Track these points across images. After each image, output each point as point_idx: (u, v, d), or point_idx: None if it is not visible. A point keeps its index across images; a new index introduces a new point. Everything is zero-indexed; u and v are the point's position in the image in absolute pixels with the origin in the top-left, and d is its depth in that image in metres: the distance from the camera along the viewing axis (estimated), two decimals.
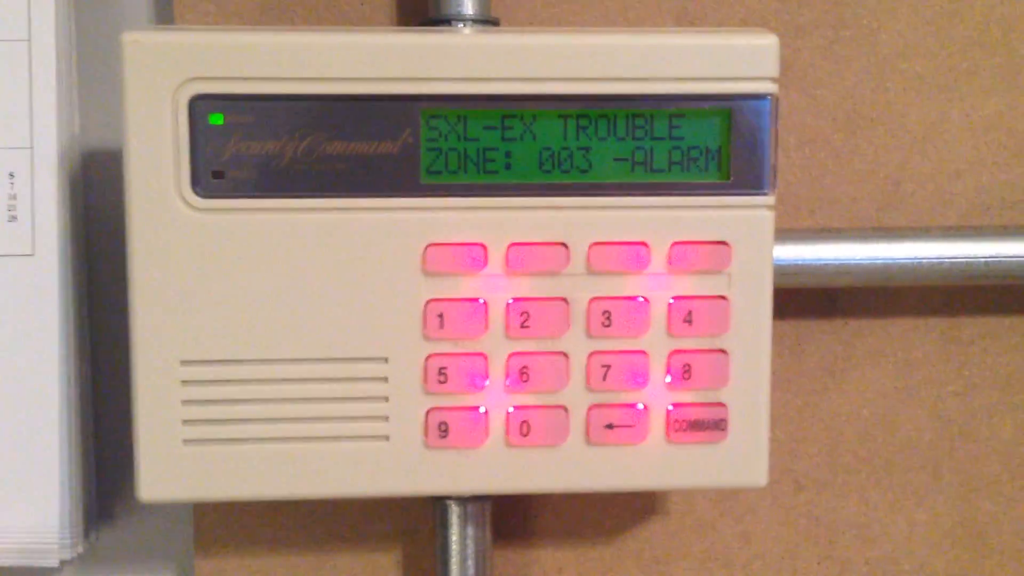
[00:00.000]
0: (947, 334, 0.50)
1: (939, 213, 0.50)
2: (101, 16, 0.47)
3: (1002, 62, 0.49)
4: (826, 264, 0.46)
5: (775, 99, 0.40)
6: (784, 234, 0.46)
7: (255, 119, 0.39)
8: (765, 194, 0.41)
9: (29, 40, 0.44)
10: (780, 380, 0.50)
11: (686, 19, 0.48)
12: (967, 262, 0.47)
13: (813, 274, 0.46)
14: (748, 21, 0.48)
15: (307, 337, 0.40)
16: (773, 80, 0.40)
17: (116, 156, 0.45)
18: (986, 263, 0.47)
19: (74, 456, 0.45)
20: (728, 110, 0.40)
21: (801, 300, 0.50)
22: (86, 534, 0.47)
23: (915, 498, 0.51)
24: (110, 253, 0.48)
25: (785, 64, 0.48)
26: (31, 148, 0.44)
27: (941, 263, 0.47)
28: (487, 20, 0.44)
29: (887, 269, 0.46)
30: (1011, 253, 0.47)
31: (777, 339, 0.49)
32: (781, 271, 0.45)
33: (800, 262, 0.46)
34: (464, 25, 0.43)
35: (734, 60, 0.40)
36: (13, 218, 0.44)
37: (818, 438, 0.50)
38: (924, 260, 0.46)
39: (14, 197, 0.44)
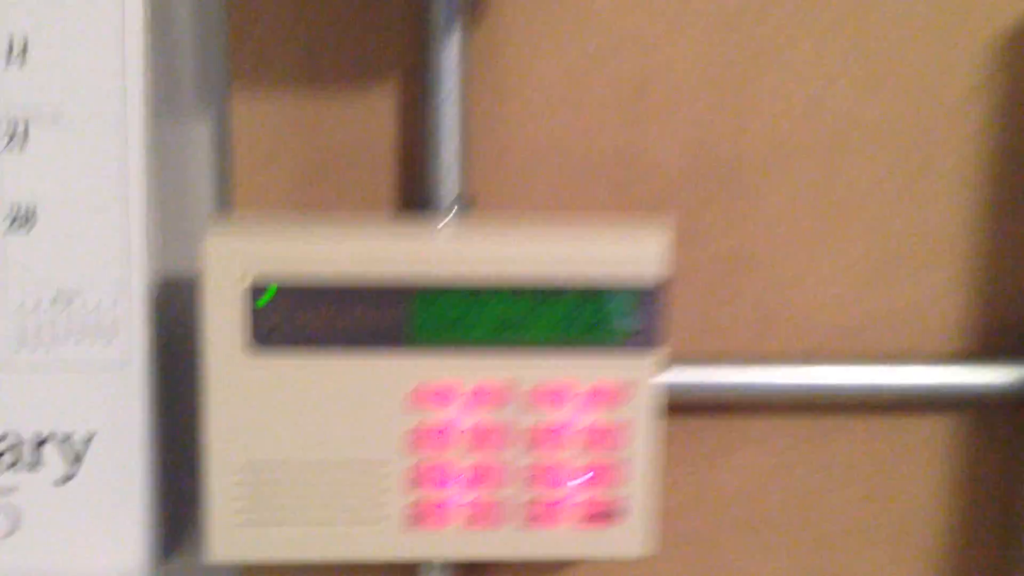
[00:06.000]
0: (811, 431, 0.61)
1: (806, 338, 0.60)
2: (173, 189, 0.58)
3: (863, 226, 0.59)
4: (712, 384, 0.59)
5: (664, 283, 0.52)
6: (679, 358, 0.58)
7: (297, 296, 0.51)
8: (657, 349, 0.52)
9: (127, 205, 0.55)
10: (674, 462, 0.60)
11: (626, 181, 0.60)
12: (824, 387, 0.59)
13: (700, 393, 0.59)
14: (672, 176, 0.57)
15: (332, 445, 0.51)
16: (662, 268, 0.50)
17: (190, 285, 0.58)
18: (835, 388, 0.60)
19: (153, 510, 0.55)
20: (634, 290, 0.51)
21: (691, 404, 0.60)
22: None
23: (781, 551, 0.62)
24: (184, 363, 0.57)
25: (691, 230, 0.59)
26: (129, 283, 0.54)
27: (806, 389, 0.59)
28: (465, 201, 0.56)
29: (764, 389, 0.59)
30: (854, 381, 0.59)
31: (673, 432, 0.61)
32: (675, 391, 0.58)
33: (690, 383, 0.59)
34: (447, 205, 0.56)
35: (636, 256, 0.51)
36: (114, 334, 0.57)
37: (702, 507, 0.61)
38: (790, 385, 0.59)
39: (115, 320, 0.57)
